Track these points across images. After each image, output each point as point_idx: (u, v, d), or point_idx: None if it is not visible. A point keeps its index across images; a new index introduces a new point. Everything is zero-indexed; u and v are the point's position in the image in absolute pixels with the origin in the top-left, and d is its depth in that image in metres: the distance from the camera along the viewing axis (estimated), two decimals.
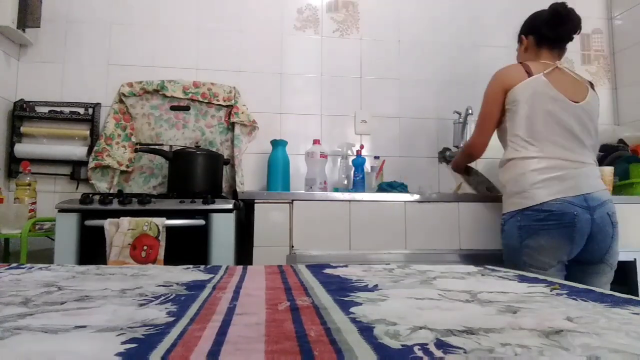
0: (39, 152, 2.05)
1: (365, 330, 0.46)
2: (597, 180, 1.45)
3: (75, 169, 2.10)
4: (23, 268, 0.94)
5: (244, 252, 1.72)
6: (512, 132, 1.49)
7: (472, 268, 1.02)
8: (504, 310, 0.57)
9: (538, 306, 0.60)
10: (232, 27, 2.30)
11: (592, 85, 1.56)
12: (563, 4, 1.52)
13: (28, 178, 1.92)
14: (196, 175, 1.89)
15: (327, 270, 0.95)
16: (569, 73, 1.53)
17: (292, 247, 1.65)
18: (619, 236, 1.43)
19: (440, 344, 0.41)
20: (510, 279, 0.86)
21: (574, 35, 1.55)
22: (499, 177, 1.55)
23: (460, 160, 1.81)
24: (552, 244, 1.38)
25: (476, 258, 1.69)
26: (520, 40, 1.65)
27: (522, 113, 1.45)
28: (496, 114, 1.53)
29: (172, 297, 0.64)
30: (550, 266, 1.39)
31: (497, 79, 1.54)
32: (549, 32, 1.54)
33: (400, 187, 2.00)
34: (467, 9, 2.50)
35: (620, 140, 2.26)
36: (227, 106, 2.22)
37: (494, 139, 1.62)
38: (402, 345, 0.41)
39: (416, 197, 1.73)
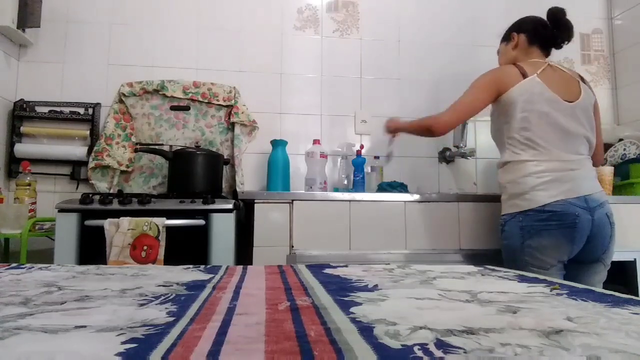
0: (39, 152, 2.05)
1: (365, 330, 0.46)
2: (595, 181, 1.46)
3: (75, 169, 2.10)
4: (23, 268, 0.94)
5: (244, 252, 1.72)
6: (509, 134, 1.49)
7: (472, 268, 1.02)
8: (504, 310, 0.57)
9: (538, 306, 0.60)
10: (232, 27, 2.30)
11: (582, 79, 1.55)
12: (562, 11, 1.54)
13: (28, 178, 1.92)
14: (196, 175, 1.88)
15: (327, 270, 0.95)
16: (560, 69, 1.53)
17: (292, 247, 1.65)
18: (616, 236, 1.43)
19: (440, 344, 0.41)
20: (510, 279, 0.86)
21: (564, 44, 1.57)
22: (499, 178, 1.56)
23: (416, 129, 1.67)
24: (554, 244, 1.39)
25: (476, 258, 1.69)
26: (509, 38, 1.63)
27: (518, 116, 1.45)
28: (480, 106, 1.52)
29: (172, 297, 0.64)
30: (551, 266, 1.40)
31: (493, 75, 1.53)
32: (545, 32, 1.55)
33: (400, 187, 2.00)
34: (467, 9, 2.50)
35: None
36: (227, 106, 2.22)
37: (489, 139, 1.61)
38: (402, 345, 0.41)
39: (416, 197, 1.73)
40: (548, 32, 1.55)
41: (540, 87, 1.45)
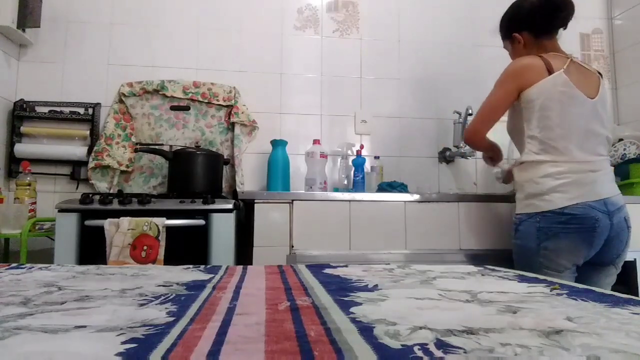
0: (39, 152, 2.05)
1: (365, 330, 0.46)
2: (613, 184, 1.42)
3: (75, 169, 2.10)
4: (23, 268, 0.94)
5: (244, 252, 1.72)
6: (529, 133, 1.43)
7: (472, 268, 1.02)
8: (504, 310, 0.57)
9: (538, 306, 0.60)
10: (232, 27, 2.30)
11: (600, 74, 1.51)
12: None
13: (28, 178, 1.92)
14: (196, 175, 1.88)
15: (327, 270, 0.95)
16: (581, 65, 1.47)
17: (292, 247, 1.65)
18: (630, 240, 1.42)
19: (440, 344, 0.41)
20: (510, 279, 0.86)
21: (569, 20, 1.50)
22: (515, 176, 1.50)
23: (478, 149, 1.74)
24: (571, 247, 1.35)
25: (476, 258, 1.69)
26: (513, 39, 1.57)
27: (539, 114, 1.40)
28: (504, 105, 1.47)
29: (172, 297, 0.64)
30: (566, 269, 1.37)
31: (515, 74, 1.45)
32: (545, 23, 1.49)
33: (400, 187, 2.00)
34: (467, 9, 2.50)
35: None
36: (227, 106, 2.22)
37: (505, 136, 1.60)
38: (402, 345, 0.41)
39: (416, 197, 1.73)
40: (550, 21, 1.48)
41: (565, 83, 1.38)
